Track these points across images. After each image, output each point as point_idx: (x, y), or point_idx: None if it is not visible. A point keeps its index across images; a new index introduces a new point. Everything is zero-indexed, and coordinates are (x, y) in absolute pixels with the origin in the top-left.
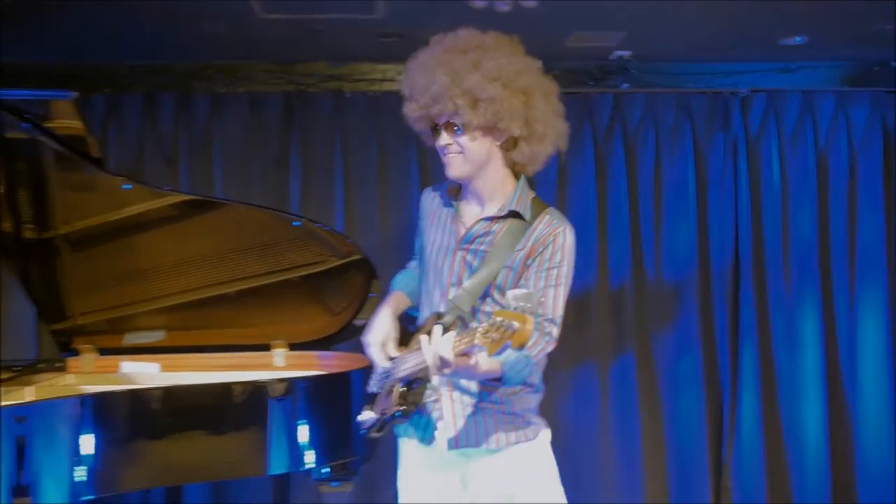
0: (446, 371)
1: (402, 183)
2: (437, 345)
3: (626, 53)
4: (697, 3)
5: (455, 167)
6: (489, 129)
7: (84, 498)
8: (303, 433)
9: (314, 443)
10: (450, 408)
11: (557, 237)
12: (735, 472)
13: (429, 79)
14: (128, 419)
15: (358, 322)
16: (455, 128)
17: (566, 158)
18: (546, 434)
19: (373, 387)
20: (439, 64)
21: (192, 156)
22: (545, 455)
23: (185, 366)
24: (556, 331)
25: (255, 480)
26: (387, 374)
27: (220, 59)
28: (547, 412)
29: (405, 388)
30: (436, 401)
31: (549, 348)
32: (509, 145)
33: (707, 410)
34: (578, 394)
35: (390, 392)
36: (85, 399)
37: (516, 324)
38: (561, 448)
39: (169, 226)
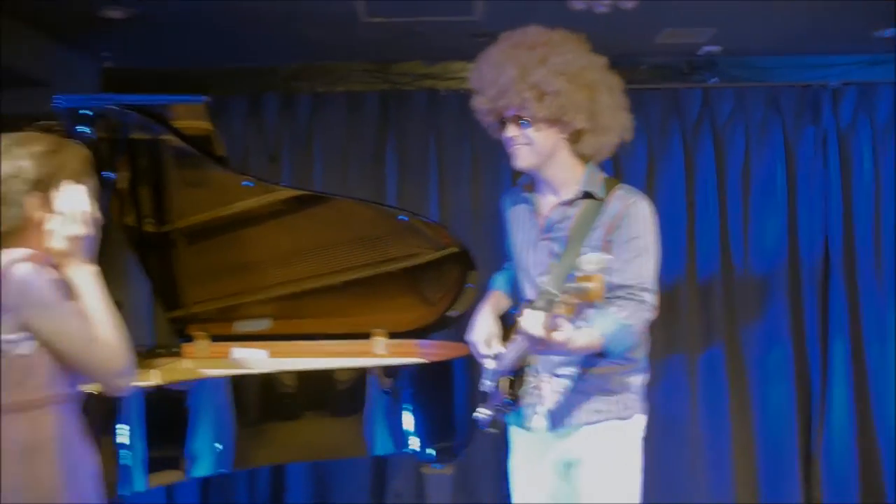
0: (541, 348)
1: (495, 178)
2: (526, 324)
3: (714, 49)
4: None
5: (521, 158)
6: (554, 122)
7: (222, 471)
8: (407, 417)
9: (418, 426)
10: (549, 391)
11: (631, 208)
12: (825, 466)
13: (497, 73)
14: (261, 399)
15: (452, 313)
16: (522, 120)
17: (654, 152)
18: (640, 420)
19: (484, 386)
20: (508, 59)
21: (294, 153)
22: (635, 440)
23: (292, 352)
24: (649, 297)
25: (354, 462)
26: (494, 371)
27: (319, 60)
28: None
29: (511, 378)
30: (535, 386)
31: (648, 315)
32: (575, 137)
33: (797, 403)
34: (667, 386)
35: (499, 385)
36: (229, 379)
37: (585, 285)
38: (649, 438)
39: (277, 219)
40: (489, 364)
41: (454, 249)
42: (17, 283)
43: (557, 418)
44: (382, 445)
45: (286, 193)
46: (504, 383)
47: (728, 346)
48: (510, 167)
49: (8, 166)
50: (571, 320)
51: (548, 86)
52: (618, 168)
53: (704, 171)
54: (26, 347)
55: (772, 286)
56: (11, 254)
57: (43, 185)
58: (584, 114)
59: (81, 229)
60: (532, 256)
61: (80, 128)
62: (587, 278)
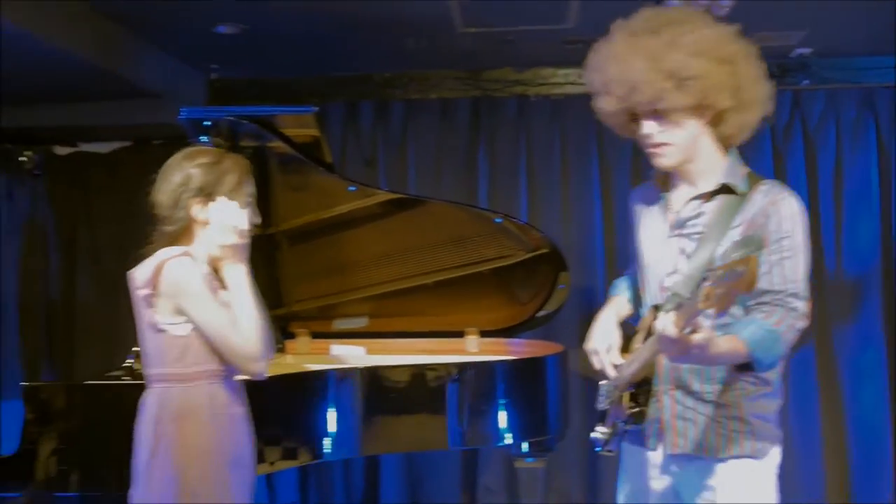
0: (676, 354)
1: (584, 183)
2: (660, 324)
3: (806, 51)
4: None
5: (666, 157)
6: (696, 109)
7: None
8: (502, 412)
9: (512, 421)
10: (670, 407)
11: (780, 204)
12: None
13: (624, 68)
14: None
15: (543, 312)
16: (658, 115)
17: (744, 154)
18: (776, 453)
19: (601, 403)
20: (632, 50)
21: (389, 157)
22: (769, 480)
23: (388, 350)
24: (801, 305)
25: (445, 457)
26: (613, 385)
27: (413, 68)
28: None
29: (635, 391)
30: (657, 400)
31: (799, 324)
32: (717, 119)
33: (890, 404)
34: None
35: (619, 400)
36: (357, 371)
37: (740, 268)
38: None
39: (375, 222)
40: (607, 370)
41: (545, 250)
42: (173, 275)
43: (680, 442)
44: (478, 439)
45: (384, 197)
46: (626, 397)
47: (819, 347)
48: (598, 168)
49: (178, 176)
50: (716, 317)
51: (686, 70)
52: None
53: (795, 172)
54: (182, 329)
55: (865, 287)
56: (171, 251)
57: (206, 192)
58: (727, 92)
59: (232, 239)
60: (659, 254)
61: (202, 137)
62: (741, 262)
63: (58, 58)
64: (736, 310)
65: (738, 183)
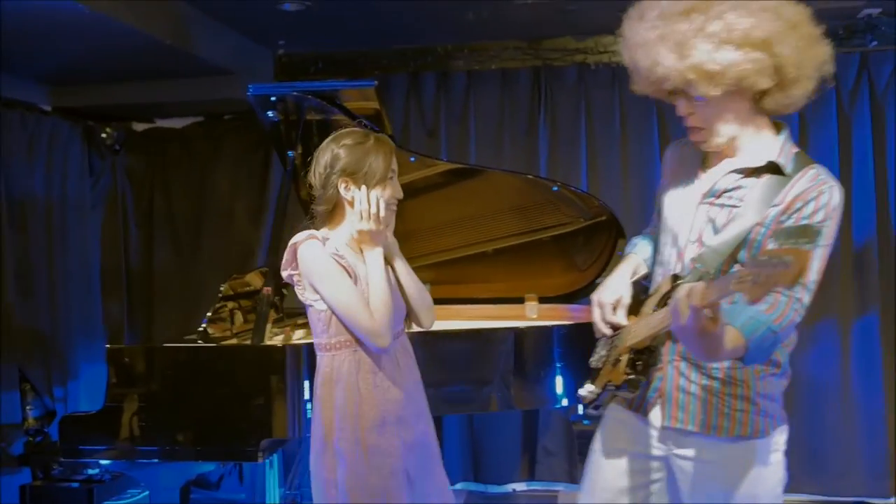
0: (688, 323)
1: (644, 149)
2: (683, 291)
3: (875, 11)
4: None
5: (700, 140)
6: (732, 92)
7: None
8: (559, 375)
9: (569, 384)
10: (673, 378)
11: (823, 193)
12: None
13: (652, 58)
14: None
15: (600, 280)
16: (692, 97)
17: (807, 119)
18: (782, 432)
19: (595, 361)
20: (660, 38)
21: (450, 127)
22: (774, 460)
23: (450, 316)
24: (807, 297)
25: (506, 417)
26: (612, 344)
27: (474, 39)
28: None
29: (634, 356)
30: (659, 369)
31: (798, 319)
32: (759, 95)
33: None
34: (817, 352)
35: (616, 362)
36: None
37: (788, 258)
38: (798, 403)
39: (437, 191)
40: (605, 327)
41: (603, 218)
42: (303, 258)
43: (680, 416)
44: (536, 401)
45: (445, 167)
46: (625, 361)
47: (884, 314)
48: (658, 134)
49: (326, 157)
50: (749, 304)
51: (712, 63)
52: None
53: (861, 137)
54: (323, 304)
55: None
56: (301, 235)
57: (350, 172)
58: (765, 73)
59: (368, 226)
60: (685, 219)
61: (269, 112)
62: (790, 251)
63: (132, 39)
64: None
65: (787, 163)
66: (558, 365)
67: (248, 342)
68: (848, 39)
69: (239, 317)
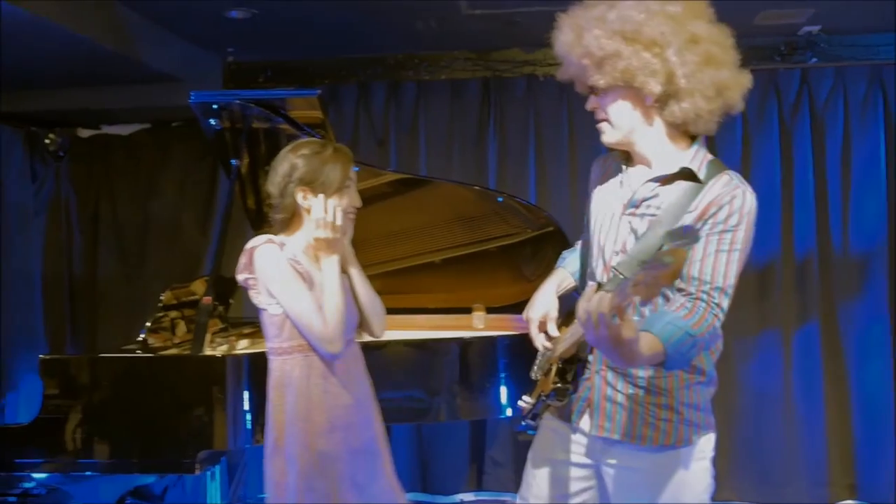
0: (595, 336)
1: (592, 160)
2: (589, 300)
3: (814, 28)
4: None
5: (604, 134)
6: (627, 90)
7: None
8: (503, 385)
9: (513, 394)
10: (599, 388)
11: (736, 198)
12: None
13: (558, 39)
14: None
15: None
16: (596, 91)
17: (751, 133)
18: (709, 440)
19: (534, 374)
20: (568, 22)
21: (400, 137)
22: (700, 468)
23: (396, 326)
24: (725, 302)
25: (454, 428)
26: (546, 356)
27: (424, 50)
28: (728, 378)
29: (563, 366)
30: (587, 379)
31: (717, 322)
32: (662, 104)
33: (895, 380)
34: (760, 362)
35: (547, 373)
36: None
37: (667, 259)
38: (741, 412)
39: (384, 201)
40: (540, 340)
41: (550, 229)
42: (259, 262)
43: (607, 425)
44: (480, 411)
45: (391, 177)
46: (554, 370)
47: (824, 323)
48: (606, 148)
49: (284, 166)
50: (641, 305)
51: (602, 49)
52: (712, 148)
53: (802, 150)
54: (277, 309)
55: (872, 264)
56: (258, 239)
57: (307, 181)
58: (656, 76)
59: (325, 234)
60: (610, 231)
61: (211, 120)
62: (668, 252)
63: (73, 43)
64: (665, 293)
65: (701, 170)
66: (503, 375)
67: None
68: (790, 56)
69: (182, 326)
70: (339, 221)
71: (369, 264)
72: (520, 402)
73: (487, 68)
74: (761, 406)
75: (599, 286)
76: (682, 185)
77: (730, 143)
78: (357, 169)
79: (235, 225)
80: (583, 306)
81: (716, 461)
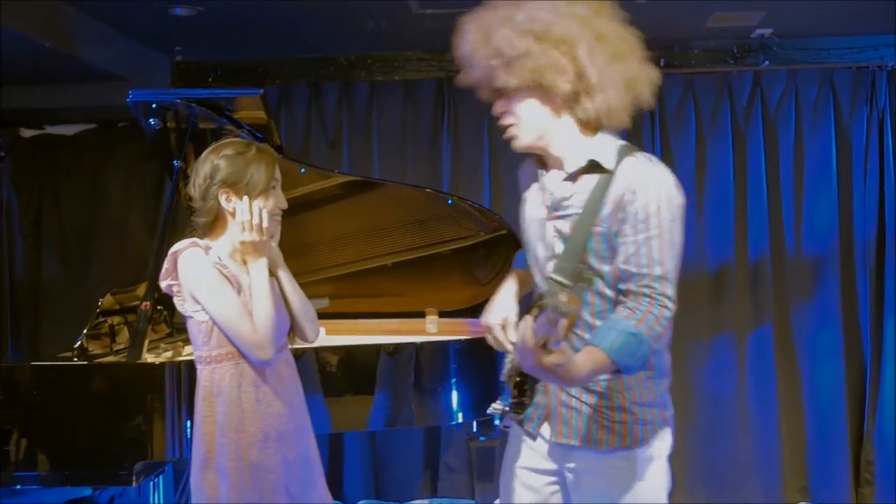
0: (532, 366)
1: None
2: (518, 332)
3: (766, 31)
4: None
5: (515, 139)
6: (536, 89)
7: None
8: (454, 391)
9: (464, 400)
10: (555, 395)
11: (649, 180)
12: (877, 446)
13: (461, 42)
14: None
15: None
16: (502, 94)
17: (704, 136)
18: (664, 437)
19: (503, 376)
20: (472, 24)
21: (353, 139)
22: (657, 467)
23: (347, 330)
24: (669, 288)
25: (409, 434)
26: (511, 360)
27: (377, 50)
28: (683, 381)
29: (520, 379)
30: (543, 385)
31: (666, 312)
32: (571, 102)
33: (847, 384)
34: (714, 365)
35: (510, 382)
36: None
37: (564, 307)
38: (696, 415)
39: (334, 204)
40: (500, 346)
41: (503, 232)
42: (185, 265)
43: (563, 432)
44: (432, 418)
45: (341, 179)
46: (513, 382)
47: (777, 326)
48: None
49: (206, 168)
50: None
51: (511, 49)
52: (667, 151)
53: (755, 152)
54: (204, 315)
55: (824, 267)
56: (182, 243)
57: (230, 183)
58: (565, 74)
59: (250, 237)
60: (539, 237)
61: (151, 120)
62: (568, 301)
63: (14, 41)
64: (604, 293)
65: (606, 159)
66: (454, 380)
67: None
68: (742, 58)
69: (124, 332)
70: (265, 224)
71: (320, 268)
72: (490, 409)
73: (441, 69)
74: (715, 409)
75: (541, 297)
76: (593, 178)
77: (684, 145)
78: (304, 170)
79: (182, 227)
80: (516, 335)
81: (671, 461)
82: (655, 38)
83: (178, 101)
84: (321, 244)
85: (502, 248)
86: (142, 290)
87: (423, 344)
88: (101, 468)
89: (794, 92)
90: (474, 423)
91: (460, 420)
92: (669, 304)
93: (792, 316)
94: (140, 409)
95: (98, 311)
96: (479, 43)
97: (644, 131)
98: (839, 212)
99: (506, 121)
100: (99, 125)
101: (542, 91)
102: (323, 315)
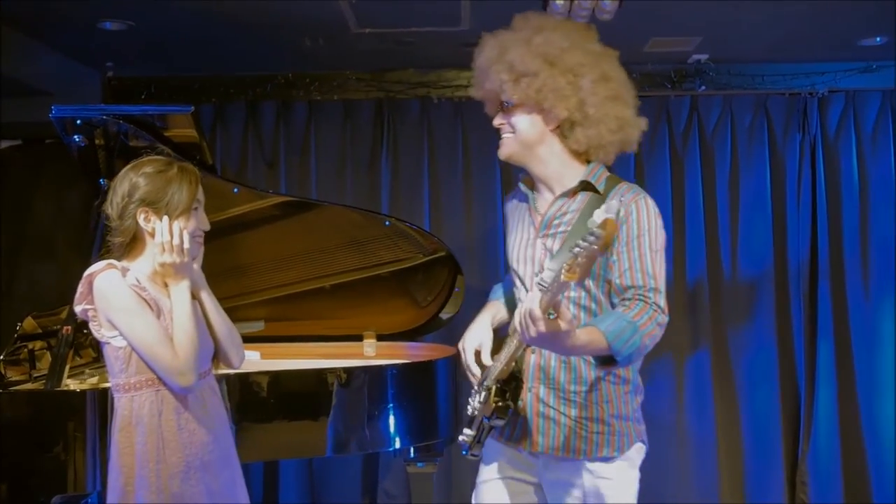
0: (535, 336)
1: (486, 183)
2: (522, 308)
3: (703, 57)
4: (774, 4)
5: (504, 146)
6: (536, 109)
7: None
8: (391, 416)
9: (401, 425)
10: (532, 405)
11: (639, 203)
12: (812, 468)
13: (480, 55)
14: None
15: (443, 315)
16: (505, 104)
17: (643, 159)
18: (638, 450)
19: (471, 409)
20: (492, 41)
21: (291, 159)
22: (629, 478)
23: (284, 354)
24: (662, 300)
25: (346, 462)
26: (480, 384)
27: (315, 69)
28: None
29: (501, 385)
30: (521, 397)
31: (660, 318)
32: (566, 131)
33: (782, 406)
34: (653, 387)
35: (487, 398)
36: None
37: (598, 231)
38: None
39: (270, 225)
40: (474, 368)
41: (442, 254)
42: (99, 288)
43: (542, 441)
44: (369, 444)
45: (277, 199)
46: (493, 391)
47: (715, 350)
48: (500, 169)
49: (124, 186)
50: (577, 285)
51: (522, 66)
52: None
53: (692, 176)
54: (121, 341)
55: (759, 291)
56: (98, 265)
57: (149, 202)
58: (566, 101)
59: (170, 259)
60: (528, 256)
61: (75, 136)
62: (600, 224)
63: None
64: (589, 307)
65: (599, 183)
66: (391, 405)
67: None
68: (680, 83)
69: (46, 357)
70: (186, 245)
71: (256, 290)
72: (460, 438)
73: (381, 89)
74: (654, 430)
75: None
76: (586, 198)
77: (622, 168)
78: (237, 190)
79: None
80: (518, 310)
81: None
82: None
83: (105, 116)
84: (257, 266)
85: (441, 270)
86: (65, 313)
87: (358, 368)
88: (15, 503)
89: (729, 116)
90: (412, 449)
91: (398, 446)
92: (661, 314)
93: (729, 339)
94: (59, 439)
95: (17, 334)
96: (493, 57)
97: None
98: (773, 235)
99: (504, 130)
100: (24, 141)
101: (542, 112)
102: (259, 338)
